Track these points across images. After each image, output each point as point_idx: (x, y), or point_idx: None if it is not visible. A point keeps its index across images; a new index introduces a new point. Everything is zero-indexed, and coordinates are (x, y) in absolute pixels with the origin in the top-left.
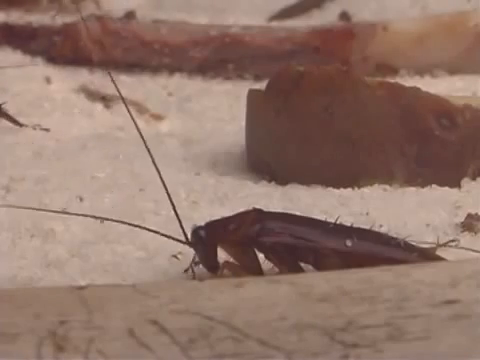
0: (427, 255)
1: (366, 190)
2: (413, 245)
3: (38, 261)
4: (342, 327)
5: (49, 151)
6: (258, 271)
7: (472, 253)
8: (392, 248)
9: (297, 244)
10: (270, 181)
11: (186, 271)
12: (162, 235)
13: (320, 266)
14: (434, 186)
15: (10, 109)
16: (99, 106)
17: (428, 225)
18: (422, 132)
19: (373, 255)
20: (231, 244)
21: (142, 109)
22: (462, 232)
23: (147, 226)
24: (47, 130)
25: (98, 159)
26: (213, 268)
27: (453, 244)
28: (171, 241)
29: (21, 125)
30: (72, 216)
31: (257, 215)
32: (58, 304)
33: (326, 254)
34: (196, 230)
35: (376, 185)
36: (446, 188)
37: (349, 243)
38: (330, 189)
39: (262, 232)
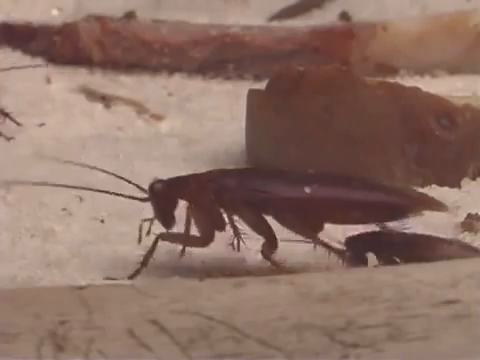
0: (403, 195)
1: None
2: (389, 186)
3: (38, 261)
4: (342, 327)
5: (49, 151)
6: (211, 229)
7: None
8: (361, 190)
9: (253, 197)
10: None
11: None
12: (120, 196)
13: (279, 217)
14: (434, 186)
15: (10, 109)
16: (99, 106)
17: (428, 225)
18: (422, 132)
19: (337, 199)
20: (189, 201)
21: (142, 109)
22: (462, 232)
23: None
24: (43, 124)
25: (98, 159)
26: (168, 224)
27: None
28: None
29: (19, 124)
30: (72, 216)
31: (217, 173)
32: (58, 304)
33: (283, 204)
34: (153, 184)
35: None
36: (446, 188)
37: (308, 190)
38: None
39: (220, 189)
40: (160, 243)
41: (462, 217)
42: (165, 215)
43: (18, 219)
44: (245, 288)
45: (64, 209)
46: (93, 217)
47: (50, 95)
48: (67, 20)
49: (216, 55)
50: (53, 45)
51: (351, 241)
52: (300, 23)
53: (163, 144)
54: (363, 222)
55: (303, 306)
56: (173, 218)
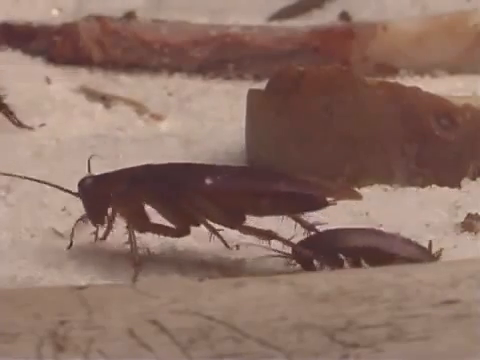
0: (312, 186)
1: (366, 190)
2: (303, 180)
3: (38, 261)
4: (342, 327)
5: (49, 151)
6: (141, 229)
7: None
8: (267, 181)
9: (166, 190)
10: None
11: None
12: (52, 186)
13: (198, 209)
14: (434, 186)
15: (10, 109)
16: (99, 106)
17: (428, 225)
18: (422, 132)
19: (242, 190)
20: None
21: (142, 109)
22: (462, 232)
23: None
24: (43, 124)
25: (98, 159)
26: (96, 221)
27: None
28: (170, 240)
29: (21, 125)
30: (72, 216)
31: (138, 168)
32: (58, 304)
33: (193, 195)
34: (82, 180)
35: (376, 185)
36: (446, 188)
37: (209, 181)
38: None
39: (133, 184)
40: (161, 243)
41: (462, 217)
42: (94, 211)
43: (18, 219)
44: (245, 288)
45: (64, 209)
46: None
47: (50, 95)
48: (67, 20)
49: (216, 55)
50: (53, 45)
51: (299, 247)
52: (300, 23)
53: (163, 144)
54: (277, 213)
55: (303, 306)
56: (103, 215)
